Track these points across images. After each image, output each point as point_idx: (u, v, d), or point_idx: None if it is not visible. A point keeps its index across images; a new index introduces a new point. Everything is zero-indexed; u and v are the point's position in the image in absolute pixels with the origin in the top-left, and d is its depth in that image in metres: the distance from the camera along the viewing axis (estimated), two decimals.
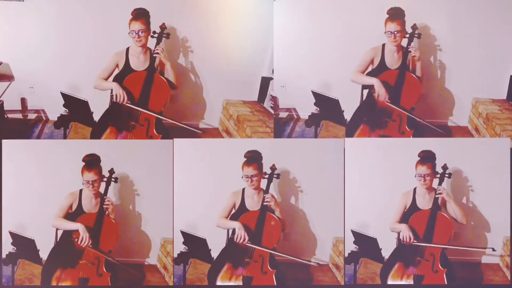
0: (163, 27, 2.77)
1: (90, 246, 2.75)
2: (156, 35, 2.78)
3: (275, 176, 2.79)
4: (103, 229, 2.78)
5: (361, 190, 2.81)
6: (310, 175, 2.81)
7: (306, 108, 2.84)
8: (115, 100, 2.77)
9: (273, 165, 2.78)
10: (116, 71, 2.80)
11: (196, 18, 2.83)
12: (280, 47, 2.81)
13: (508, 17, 2.84)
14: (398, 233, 2.81)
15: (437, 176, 2.78)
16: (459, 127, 2.87)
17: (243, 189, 2.80)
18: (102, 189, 2.79)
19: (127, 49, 2.79)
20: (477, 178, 2.81)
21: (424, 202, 2.81)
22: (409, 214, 2.81)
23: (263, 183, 2.80)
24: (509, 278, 2.84)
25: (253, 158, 2.78)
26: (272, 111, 2.85)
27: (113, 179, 2.78)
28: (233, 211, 2.80)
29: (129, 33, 2.76)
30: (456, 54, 2.83)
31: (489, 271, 2.84)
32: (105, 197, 2.78)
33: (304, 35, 2.83)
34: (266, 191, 2.79)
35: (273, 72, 2.82)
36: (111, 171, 2.78)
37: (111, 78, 2.79)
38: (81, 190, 2.78)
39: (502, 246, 2.83)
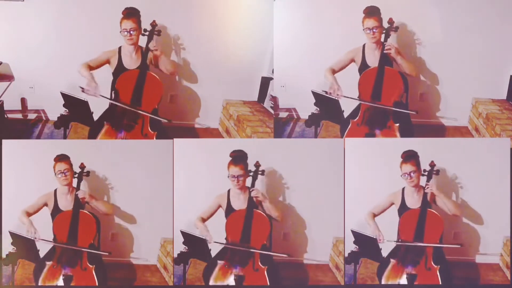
0: (153, 24, 2.77)
1: (35, 238, 2.76)
2: (147, 33, 2.77)
3: (259, 172, 2.78)
4: (80, 224, 2.78)
5: (361, 190, 2.81)
6: (310, 175, 2.81)
7: (306, 108, 2.84)
8: (82, 91, 2.76)
9: (257, 162, 2.78)
10: (108, 67, 2.79)
11: (197, 18, 2.83)
12: (280, 47, 2.82)
13: (508, 16, 2.84)
14: (399, 233, 2.82)
15: (424, 173, 2.79)
16: (459, 127, 2.87)
17: (228, 191, 2.80)
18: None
19: (119, 48, 2.79)
20: (477, 178, 2.81)
21: (413, 201, 2.81)
22: (399, 213, 2.81)
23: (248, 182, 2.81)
24: (509, 278, 2.84)
25: (239, 158, 2.78)
26: (272, 111, 2.85)
27: (84, 174, 2.78)
28: (222, 212, 2.80)
29: (120, 32, 2.76)
30: (456, 54, 2.84)
31: (489, 271, 2.84)
32: (77, 193, 2.78)
33: (304, 35, 2.84)
34: (252, 186, 2.79)
35: (273, 72, 2.82)
36: (82, 166, 2.78)
37: (98, 70, 2.79)
38: (55, 190, 2.78)
39: (502, 246, 2.83)
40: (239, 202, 2.80)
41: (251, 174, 2.78)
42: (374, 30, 2.78)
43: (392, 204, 2.81)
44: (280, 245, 2.82)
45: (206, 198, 2.81)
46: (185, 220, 2.80)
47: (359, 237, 2.80)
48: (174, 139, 2.81)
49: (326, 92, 2.80)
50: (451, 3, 2.83)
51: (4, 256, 2.79)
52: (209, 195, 2.81)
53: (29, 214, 2.77)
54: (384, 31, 2.79)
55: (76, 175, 2.79)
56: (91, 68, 2.77)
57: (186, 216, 2.80)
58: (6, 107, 2.81)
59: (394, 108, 2.82)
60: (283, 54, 2.82)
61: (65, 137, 2.82)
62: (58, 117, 2.82)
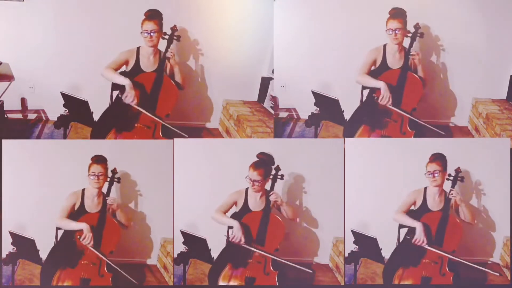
0: (174, 29, 2.77)
1: (91, 246, 2.75)
2: (167, 37, 2.77)
3: (279, 177, 2.78)
4: (105, 229, 2.78)
5: (361, 190, 2.81)
6: (310, 175, 2.81)
7: (306, 108, 2.84)
8: (122, 98, 2.76)
9: (278, 165, 2.78)
10: (124, 68, 2.79)
11: (197, 18, 2.83)
12: (280, 47, 2.81)
13: (508, 17, 2.84)
14: (399, 231, 2.81)
15: (449, 178, 2.78)
16: (459, 127, 2.87)
17: (246, 189, 2.80)
18: (104, 190, 2.80)
19: (138, 48, 2.79)
20: (477, 178, 2.81)
21: (435, 204, 2.81)
22: (419, 214, 2.81)
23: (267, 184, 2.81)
24: (509, 278, 2.84)
25: (263, 162, 2.77)
26: (272, 111, 2.85)
27: (115, 179, 2.79)
28: (235, 209, 2.80)
29: (141, 33, 2.76)
30: (456, 54, 2.83)
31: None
32: (107, 197, 2.78)
33: (304, 35, 2.83)
34: (271, 190, 2.79)
35: (273, 72, 2.82)
36: (114, 171, 2.78)
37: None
38: (83, 190, 2.78)
39: (502, 246, 2.83)
40: (256, 204, 2.80)
41: (271, 177, 2.78)
42: (396, 32, 2.78)
43: (415, 202, 2.81)
44: (282, 246, 2.81)
45: (206, 198, 2.81)
46: (185, 220, 2.80)
47: (359, 237, 2.80)
48: (174, 139, 2.81)
49: (374, 95, 2.79)
50: (450, 3, 2.83)
51: (4, 256, 2.79)
52: (209, 195, 2.81)
53: (65, 216, 2.76)
54: (410, 35, 2.78)
55: (108, 180, 2.79)
56: (114, 71, 2.76)
57: (186, 216, 2.80)
58: (6, 107, 2.81)
59: (406, 115, 2.83)
60: (283, 54, 2.82)
61: (65, 137, 2.82)
62: (58, 117, 2.82)
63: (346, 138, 2.83)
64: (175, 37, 2.78)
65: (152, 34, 2.76)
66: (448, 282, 2.81)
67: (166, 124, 2.80)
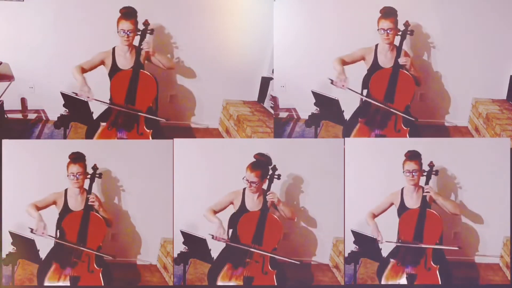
0: (146, 23, 2.77)
1: (42, 234, 2.74)
2: (139, 33, 2.77)
3: (276, 176, 2.78)
4: (90, 226, 2.78)
5: (361, 190, 2.81)
6: (310, 175, 2.81)
7: (306, 108, 2.84)
8: (76, 95, 2.78)
9: (274, 165, 2.78)
10: (103, 68, 2.79)
11: (197, 18, 2.83)
12: (280, 47, 2.82)
13: (508, 17, 2.84)
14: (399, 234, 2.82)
15: (424, 174, 2.79)
16: (459, 127, 2.87)
17: (244, 189, 2.80)
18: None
19: (113, 49, 2.79)
20: (477, 178, 2.81)
21: (412, 201, 2.81)
22: (399, 214, 2.81)
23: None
24: (509, 278, 2.84)
25: (259, 164, 2.77)
26: (272, 111, 2.85)
27: (97, 175, 2.78)
28: (232, 209, 2.80)
29: (118, 32, 2.76)
30: (456, 54, 2.84)
31: (489, 271, 2.84)
32: (88, 195, 2.78)
33: (304, 35, 2.84)
34: (268, 190, 2.79)
35: (273, 72, 2.82)
36: (95, 167, 2.78)
37: (92, 72, 2.79)
38: (66, 190, 2.78)
39: (502, 246, 2.83)
40: (253, 204, 2.80)
41: (268, 177, 2.78)
42: (388, 32, 2.78)
43: (392, 204, 2.82)
44: (281, 246, 2.81)
45: (207, 198, 2.81)
46: (185, 220, 2.80)
47: (359, 237, 2.80)
48: (174, 139, 2.81)
49: (332, 81, 2.79)
50: (451, 3, 2.83)
51: (4, 256, 2.80)
52: (210, 195, 2.81)
53: (38, 208, 2.76)
54: (400, 33, 2.78)
55: (89, 176, 2.79)
56: (84, 70, 2.77)
57: (186, 216, 2.80)
58: (6, 107, 2.81)
59: (403, 114, 2.82)
60: (283, 54, 2.82)
61: (65, 137, 2.82)
62: (58, 117, 2.82)
63: (346, 138, 2.83)
64: (148, 31, 2.77)
65: (128, 33, 2.76)
66: (434, 275, 2.80)
67: (144, 114, 2.80)
